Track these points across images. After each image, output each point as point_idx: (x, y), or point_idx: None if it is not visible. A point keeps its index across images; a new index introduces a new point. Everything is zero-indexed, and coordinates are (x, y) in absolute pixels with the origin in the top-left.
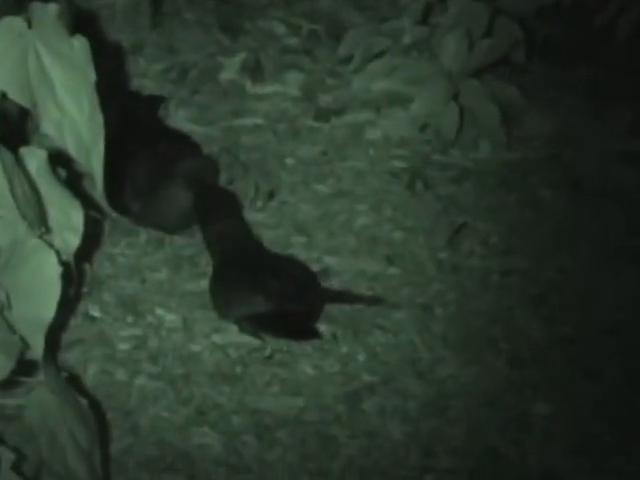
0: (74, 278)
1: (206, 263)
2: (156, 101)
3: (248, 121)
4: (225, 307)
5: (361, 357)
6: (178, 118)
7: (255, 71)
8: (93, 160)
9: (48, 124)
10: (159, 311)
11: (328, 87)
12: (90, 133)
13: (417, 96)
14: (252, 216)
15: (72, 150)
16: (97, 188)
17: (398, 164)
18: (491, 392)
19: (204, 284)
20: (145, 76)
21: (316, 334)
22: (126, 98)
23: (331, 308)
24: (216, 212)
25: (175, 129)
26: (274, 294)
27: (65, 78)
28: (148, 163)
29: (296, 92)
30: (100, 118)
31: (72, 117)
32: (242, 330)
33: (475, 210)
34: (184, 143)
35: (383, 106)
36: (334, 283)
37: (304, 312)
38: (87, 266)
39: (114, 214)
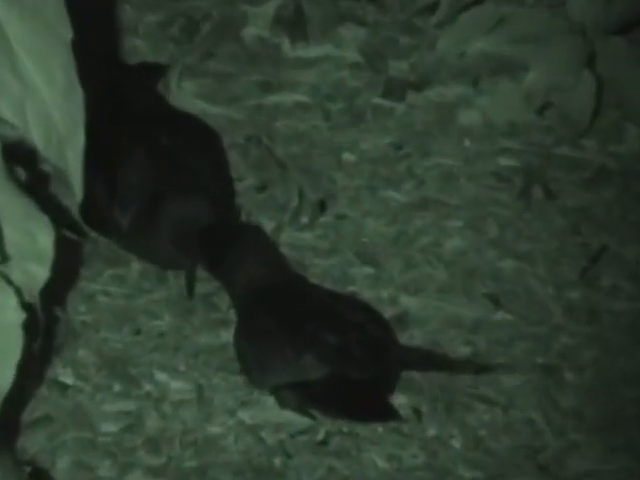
0: (40, 328)
1: (229, 305)
2: (154, 72)
3: (286, 98)
4: (258, 371)
5: (456, 443)
6: (183, 94)
7: (295, 25)
8: (68, 156)
9: (4, 103)
10: (161, 376)
11: (402, 49)
12: (65, 117)
13: (533, 62)
14: (295, 237)
15: (38, 141)
16: (74, 197)
17: (506, 161)
18: None
19: (227, 336)
20: (136, 33)
21: (390, 410)
22: (112, 68)
23: (413, 373)
24: (232, 258)
25: (183, 112)
26: (329, 353)
27: (29, 37)
28: (144, 162)
29: (355, 56)
30: (79, 95)
31: (39, 93)
32: (283, 404)
33: (619, 228)
34: (195, 133)
35: (483, 76)
36: (416, 335)
37: (373, 379)
38: (58, 310)
39: (94, 234)
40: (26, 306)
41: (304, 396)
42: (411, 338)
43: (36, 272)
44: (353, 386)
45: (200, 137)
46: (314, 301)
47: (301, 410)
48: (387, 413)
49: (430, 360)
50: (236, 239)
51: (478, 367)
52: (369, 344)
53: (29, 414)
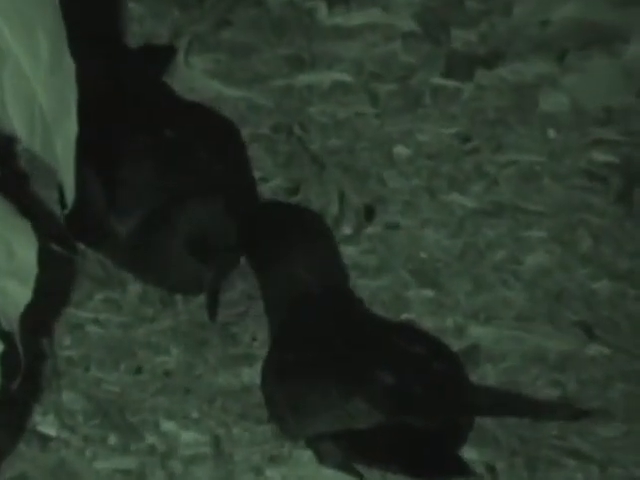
0: (20, 363)
1: (252, 336)
2: (162, 56)
3: (323, 77)
4: (291, 417)
5: None
6: (192, 72)
7: None
8: (57, 146)
9: None
10: (168, 425)
11: (469, 15)
12: (52, 96)
13: (636, 31)
14: None
15: (18, 127)
16: (62, 199)
17: (600, 156)
18: None
19: (250, 375)
20: None
21: (459, 467)
22: (105, 49)
23: (486, 421)
24: (280, 247)
25: (191, 101)
26: (382, 394)
27: None
28: (144, 159)
29: (410, 24)
30: (70, 69)
31: (18, 66)
32: (323, 460)
33: None
34: (205, 124)
35: (571, 50)
36: (489, 373)
37: (437, 427)
38: (45, 342)
39: (82, 247)
40: (3, 335)
41: (350, 449)
42: (483, 377)
43: (15, 293)
44: (413, 436)
45: (211, 128)
46: (365, 329)
47: (346, 467)
48: (455, 470)
49: (507, 404)
50: (291, 227)
51: (567, 413)
52: (433, 384)
53: (1, 473)
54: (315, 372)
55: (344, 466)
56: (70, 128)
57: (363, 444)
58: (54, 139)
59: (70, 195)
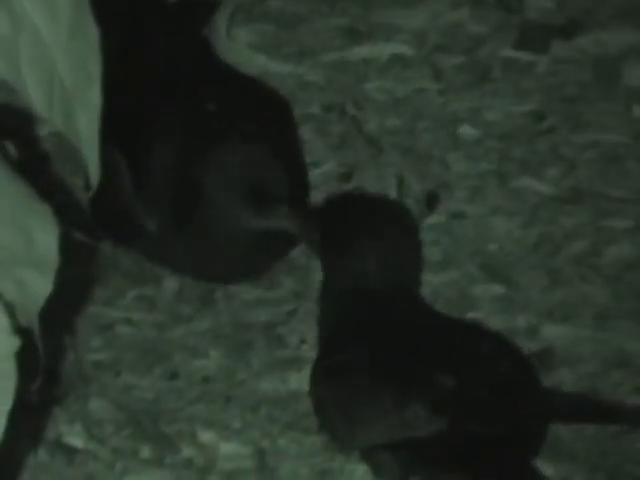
0: (40, 363)
1: (300, 337)
2: (200, 12)
3: (380, 50)
4: (344, 426)
5: None
6: (235, 45)
7: None
8: (79, 121)
9: None
10: (206, 436)
11: None
12: (73, 65)
13: None
14: None
15: (37, 100)
16: (87, 181)
17: None
18: None
19: (298, 380)
20: None
21: None
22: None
23: (561, 431)
24: (350, 236)
25: (239, 71)
26: (445, 400)
27: None
28: (183, 142)
29: None
30: (93, 35)
31: (36, 32)
32: (379, 473)
33: None
34: (255, 100)
35: None
36: (565, 378)
37: (507, 437)
38: (67, 339)
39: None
40: (21, 331)
41: (410, 461)
42: (559, 383)
43: (34, 284)
44: (480, 447)
45: (262, 105)
46: (427, 328)
47: None
48: None
49: (586, 413)
50: (368, 213)
51: None
52: (502, 389)
53: None
54: (369, 376)
55: None
56: (94, 100)
57: (423, 455)
58: (75, 112)
59: (95, 174)
